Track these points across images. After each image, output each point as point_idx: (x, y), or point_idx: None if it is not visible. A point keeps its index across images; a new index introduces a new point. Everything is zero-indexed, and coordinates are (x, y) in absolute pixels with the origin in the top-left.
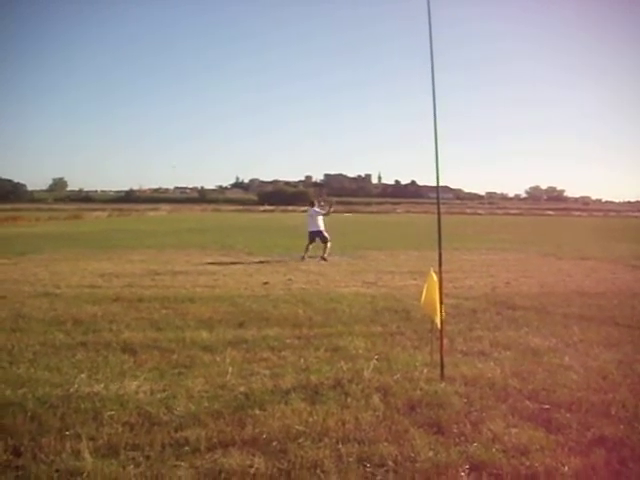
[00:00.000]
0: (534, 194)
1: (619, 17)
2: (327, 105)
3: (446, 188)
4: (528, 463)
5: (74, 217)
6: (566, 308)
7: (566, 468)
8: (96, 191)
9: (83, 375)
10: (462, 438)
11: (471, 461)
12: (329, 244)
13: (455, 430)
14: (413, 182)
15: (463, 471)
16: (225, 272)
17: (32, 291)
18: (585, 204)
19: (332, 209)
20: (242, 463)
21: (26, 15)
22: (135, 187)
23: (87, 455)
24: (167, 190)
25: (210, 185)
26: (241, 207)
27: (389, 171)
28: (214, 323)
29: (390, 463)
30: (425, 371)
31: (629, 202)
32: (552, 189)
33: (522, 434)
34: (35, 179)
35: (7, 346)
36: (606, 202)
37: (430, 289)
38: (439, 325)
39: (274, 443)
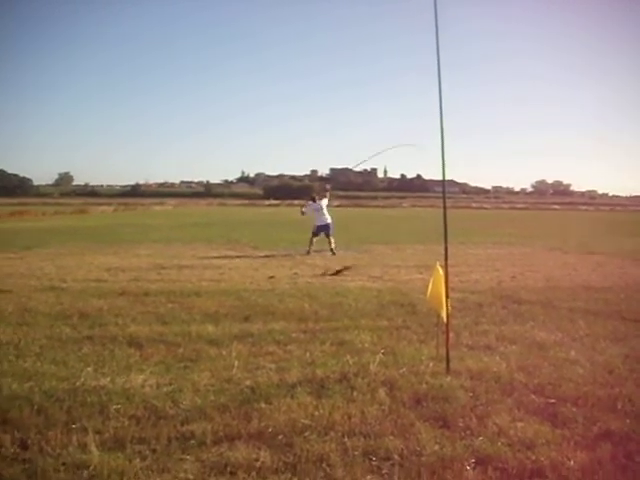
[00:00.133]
0: (540, 188)
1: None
2: (333, 101)
3: (452, 182)
4: (534, 457)
5: (80, 211)
6: (572, 302)
7: (572, 462)
8: (102, 186)
9: (89, 369)
10: (468, 432)
11: (477, 455)
12: (332, 238)
13: (461, 424)
14: (419, 176)
15: (469, 465)
16: (231, 266)
17: (38, 285)
18: (591, 198)
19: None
20: (248, 457)
21: (27, 12)
22: (141, 181)
23: (93, 448)
24: (173, 184)
25: (216, 179)
26: (247, 201)
27: (395, 165)
28: (220, 317)
29: (396, 457)
30: (431, 365)
31: (636, 196)
32: (558, 183)
33: (528, 428)
34: (41, 174)
35: (14, 340)
36: (613, 196)
37: (436, 283)
38: (445, 319)
39: (280, 437)
